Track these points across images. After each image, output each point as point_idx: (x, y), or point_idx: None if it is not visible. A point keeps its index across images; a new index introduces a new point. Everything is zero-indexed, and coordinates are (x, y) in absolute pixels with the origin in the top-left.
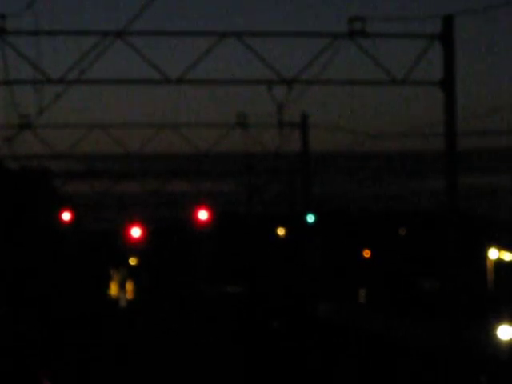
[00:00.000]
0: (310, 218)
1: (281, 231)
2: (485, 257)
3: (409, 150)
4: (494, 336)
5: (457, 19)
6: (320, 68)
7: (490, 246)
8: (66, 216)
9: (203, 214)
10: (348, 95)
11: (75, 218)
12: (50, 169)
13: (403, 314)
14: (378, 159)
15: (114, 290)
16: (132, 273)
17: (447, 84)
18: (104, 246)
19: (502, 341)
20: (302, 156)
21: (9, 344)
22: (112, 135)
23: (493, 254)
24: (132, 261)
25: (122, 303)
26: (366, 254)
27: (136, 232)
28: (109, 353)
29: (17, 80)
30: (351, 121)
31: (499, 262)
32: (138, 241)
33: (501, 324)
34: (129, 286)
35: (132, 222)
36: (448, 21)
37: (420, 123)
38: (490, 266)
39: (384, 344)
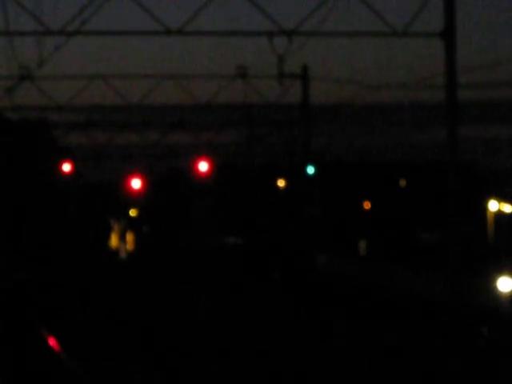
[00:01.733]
0: (310, 170)
1: (281, 183)
2: (485, 208)
3: (410, 102)
4: (495, 287)
5: None
6: (320, 19)
7: (490, 197)
8: (67, 167)
9: (203, 166)
10: (348, 47)
11: (75, 169)
12: (50, 120)
13: (403, 265)
14: (379, 111)
15: (114, 241)
16: (132, 224)
17: (447, 35)
18: (104, 197)
19: (502, 292)
20: (303, 108)
21: (9, 292)
22: (112, 86)
23: (493, 205)
24: (132, 212)
25: (122, 254)
26: (366, 205)
27: (136, 183)
28: (107, 305)
29: (17, 31)
30: (352, 73)
31: (499, 214)
32: (138, 192)
33: (501, 276)
34: (129, 237)
35: (132, 174)
36: None
37: (421, 75)
38: (490, 217)
39: (382, 294)
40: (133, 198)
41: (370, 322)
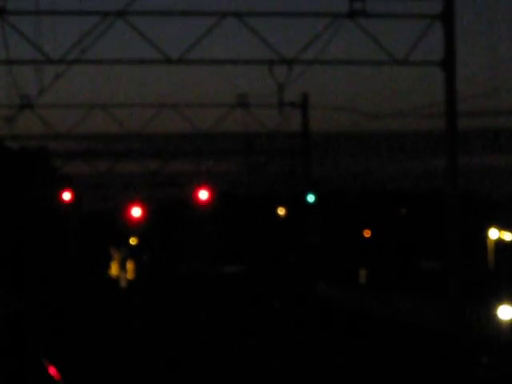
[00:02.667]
0: (311, 198)
1: (281, 211)
2: (485, 236)
3: (409, 130)
4: (495, 316)
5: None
6: (320, 48)
7: (490, 225)
8: (67, 196)
9: (204, 194)
10: (348, 75)
11: (76, 197)
12: (50, 148)
13: (404, 294)
14: (379, 139)
15: (114, 269)
16: (132, 252)
17: (447, 64)
18: (104, 225)
19: (502, 321)
20: (303, 136)
21: (9, 321)
22: (112, 115)
23: (493, 233)
24: (132, 240)
25: (123, 283)
26: (367, 234)
27: (136, 212)
28: (108, 333)
29: (17, 60)
30: (351, 101)
31: (500, 242)
32: (138, 221)
33: (501, 304)
34: (129, 266)
35: (132, 202)
36: (449, 0)
37: (420, 103)
38: (490, 245)
39: (384, 323)
40: (133, 227)
41: (368, 350)
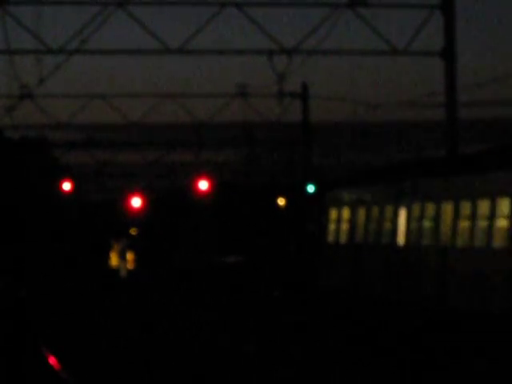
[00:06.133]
0: (311, 188)
1: (281, 201)
2: None
3: (409, 120)
4: None
5: None
6: (320, 38)
7: None
8: (67, 186)
9: (203, 184)
10: (348, 65)
11: (75, 187)
12: (50, 138)
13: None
14: (379, 129)
15: (114, 260)
16: (132, 243)
17: (448, 54)
18: (104, 216)
19: None
20: (303, 126)
21: (10, 309)
22: (112, 105)
23: None
24: (133, 231)
25: (123, 273)
26: None
27: (136, 202)
28: (108, 322)
29: (17, 50)
30: (352, 91)
31: None
32: (138, 211)
33: None
34: (129, 256)
35: (132, 192)
36: None
37: (421, 93)
38: None
39: (388, 309)
40: (133, 217)
41: (375, 335)
